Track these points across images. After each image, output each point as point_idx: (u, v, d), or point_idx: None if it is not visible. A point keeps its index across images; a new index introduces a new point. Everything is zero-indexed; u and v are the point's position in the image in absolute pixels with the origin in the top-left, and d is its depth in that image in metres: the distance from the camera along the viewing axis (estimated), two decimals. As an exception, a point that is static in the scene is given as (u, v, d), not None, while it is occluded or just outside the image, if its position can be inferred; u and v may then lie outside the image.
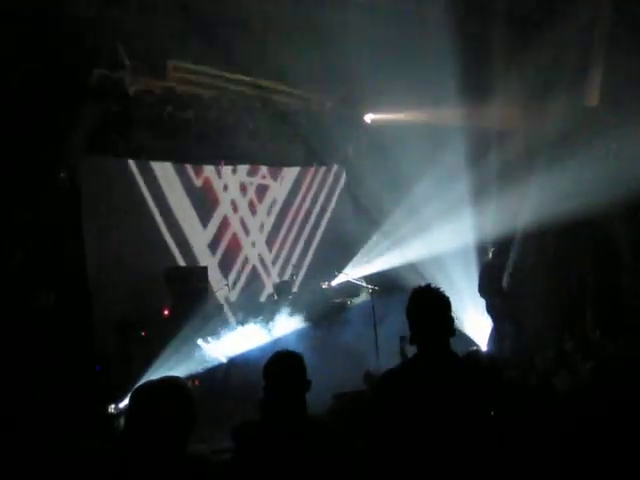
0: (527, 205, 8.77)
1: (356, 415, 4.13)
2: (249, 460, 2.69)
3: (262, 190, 10.65)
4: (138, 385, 2.52)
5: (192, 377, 7.37)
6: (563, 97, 8.18)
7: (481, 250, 8.92)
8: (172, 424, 2.34)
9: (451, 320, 2.94)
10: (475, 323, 8.74)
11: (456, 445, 2.71)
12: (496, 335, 8.43)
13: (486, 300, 8.49)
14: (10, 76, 6.31)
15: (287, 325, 8.67)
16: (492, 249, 8.72)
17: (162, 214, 9.29)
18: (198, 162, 9.88)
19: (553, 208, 8.33)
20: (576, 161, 8.21)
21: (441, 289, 3.00)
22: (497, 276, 8.55)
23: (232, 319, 9.48)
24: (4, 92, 6.23)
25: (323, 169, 11.20)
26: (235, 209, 10.37)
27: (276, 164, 10.64)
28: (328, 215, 11.10)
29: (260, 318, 8.75)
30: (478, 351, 7.43)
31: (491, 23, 7.88)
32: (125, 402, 6.64)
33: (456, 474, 2.68)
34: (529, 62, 7.95)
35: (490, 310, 8.46)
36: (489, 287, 8.45)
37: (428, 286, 3.03)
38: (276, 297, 9.41)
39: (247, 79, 8.91)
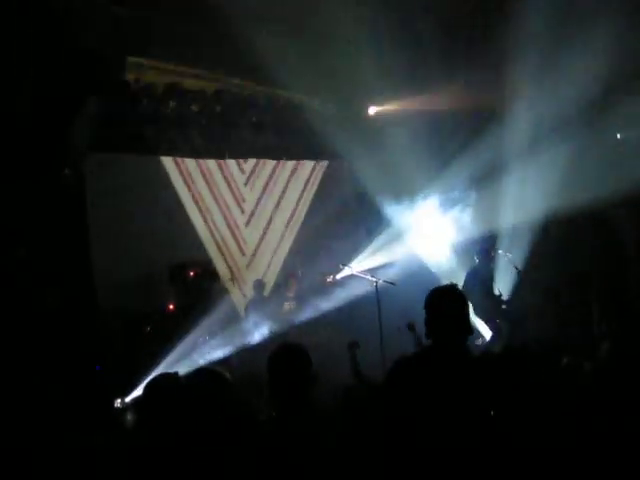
0: (527, 201, 8.74)
1: (366, 408, 4.13)
2: (256, 456, 2.70)
3: (265, 184, 10.65)
4: (153, 378, 2.53)
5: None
6: (566, 85, 8.10)
7: (478, 243, 8.86)
8: (190, 415, 2.33)
9: (468, 319, 3.07)
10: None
11: (460, 441, 2.72)
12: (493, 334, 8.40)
13: (473, 302, 8.40)
14: (11, 73, 6.31)
15: (292, 319, 8.70)
16: (476, 251, 8.65)
17: (167, 209, 9.29)
18: (202, 156, 9.88)
19: (556, 201, 8.30)
20: (580, 152, 8.17)
21: (459, 289, 3.11)
22: (483, 277, 8.48)
23: (237, 314, 9.50)
24: (6, 90, 6.23)
25: (326, 163, 11.20)
26: (238, 204, 10.39)
27: (279, 158, 10.64)
28: (332, 209, 11.10)
29: (265, 312, 8.77)
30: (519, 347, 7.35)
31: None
32: (132, 397, 6.68)
33: (458, 469, 2.69)
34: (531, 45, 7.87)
35: (478, 311, 8.40)
36: (475, 289, 8.38)
37: (449, 285, 3.17)
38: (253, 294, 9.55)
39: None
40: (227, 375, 2.54)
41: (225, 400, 2.41)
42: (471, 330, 3.03)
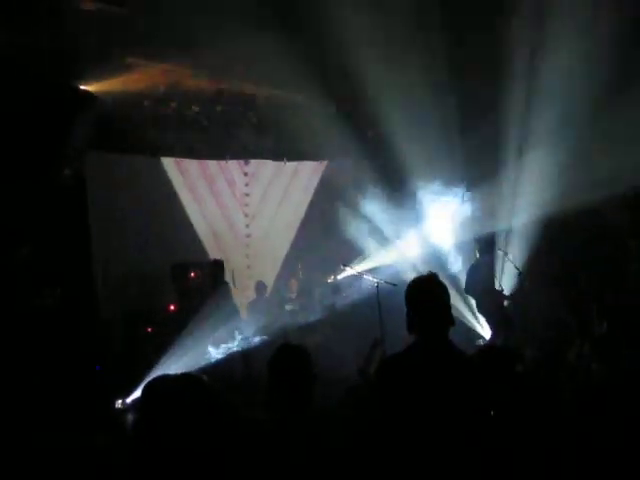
0: (526, 197, 8.72)
1: (366, 407, 4.14)
2: (256, 457, 2.69)
3: (267, 185, 10.65)
4: (150, 380, 2.51)
5: (198, 372, 7.39)
6: (567, 82, 8.08)
7: (479, 239, 8.83)
8: (187, 418, 2.31)
9: (449, 309, 2.96)
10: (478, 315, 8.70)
11: (451, 435, 2.71)
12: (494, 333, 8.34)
13: (476, 299, 8.38)
14: (11, 73, 6.31)
15: (293, 320, 8.69)
16: (477, 247, 8.61)
17: (167, 209, 9.30)
18: (203, 157, 9.88)
19: (556, 198, 8.28)
20: (581, 147, 8.16)
21: (440, 278, 3.03)
22: (486, 274, 8.44)
23: (238, 315, 9.49)
24: (5, 89, 6.24)
25: (327, 163, 11.18)
26: (240, 203, 10.39)
27: (280, 159, 10.63)
28: (332, 209, 11.09)
29: (266, 313, 8.77)
30: (493, 345, 7.34)
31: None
32: (132, 397, 6.67)
33: (452, 467, 2.68)
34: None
35: (481, 309, 8.37)
36: (477, 286, 8.33)
37: (428, 275, 3.05)
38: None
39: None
40: (204, 378, 2.53)
41: (206, 404, 2.40)
42: (453, 321, 2.95)
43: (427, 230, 9.55)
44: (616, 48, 7.31)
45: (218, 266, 8.65)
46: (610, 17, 7.37)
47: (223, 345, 7.98)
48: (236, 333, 8.21)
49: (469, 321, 8.65)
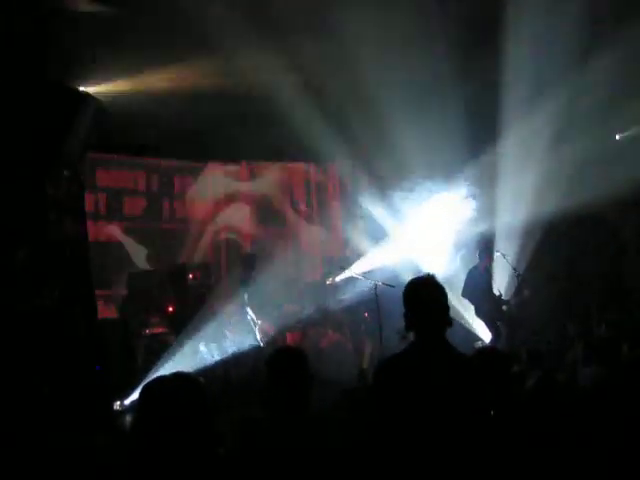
0: (527, 198, 8.75)
1: (360, 409, 4.14)
2: (250, 458, 2.70)
3: (264, 185, 10.65)
4: (148, 381, 2.52)
5: (195, 374, 7.37)
6: (567, 85, 8.10)
7: (479, 243, 8.84)
8: (185, 419, 2.32)
9: (447, 310, 2.97)
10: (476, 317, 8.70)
11: (448, 436, 2.72)
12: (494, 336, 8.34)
13: (475, 304, 8.39)
14: (9, 73, 6.32)
15: (290, 322, 8.69)
16: (477, 251, 8.62)
17: (165, 210, 9.30)
18: (201, 159, 9.89)
19: (555, 202, 8.30)
20: (580, 151, 8.17)
21: (438, 279, 3.04)
22: (484, 279, 8.45)
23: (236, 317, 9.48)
24: (3, 89, 6.24)
25: (326, 166, 11.19)
26: (238, 204, 10.39)
27: (279, 160, 10.64)
28: (333, 210, 11.10)
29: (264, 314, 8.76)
30: (488, 346, 7.34)
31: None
32: (131, 399, 6.67)
33: (450, 468, 2.68)
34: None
35: (480, 313, 8.37)
36: (476, 291, 8.34)
37: (426, 276, 3.06)
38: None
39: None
40: (201, 380, 2.54)
41: (202, 405, 2.41)
42: (451, 322, 2.95)
43: (426, 230, 9.55)
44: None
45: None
46: None
47: (213, 344, 7.95)
48: (226, 332, 8.18)
49: (468, 323, 8.65)
